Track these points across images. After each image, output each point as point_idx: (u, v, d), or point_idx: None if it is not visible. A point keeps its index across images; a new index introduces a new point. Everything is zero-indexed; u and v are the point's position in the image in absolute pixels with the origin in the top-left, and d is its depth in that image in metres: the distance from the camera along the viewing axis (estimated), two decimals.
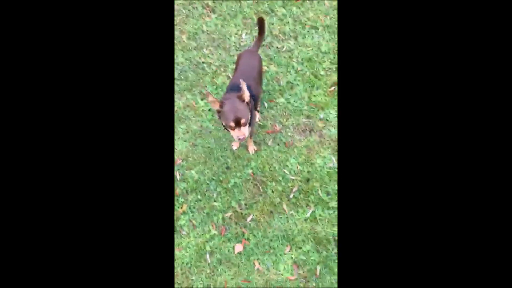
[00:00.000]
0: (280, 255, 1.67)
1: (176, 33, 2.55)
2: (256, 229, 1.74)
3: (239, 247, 1.70)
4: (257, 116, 2.09)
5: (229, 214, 1.80)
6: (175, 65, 2.36)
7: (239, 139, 1.53)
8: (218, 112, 1.55)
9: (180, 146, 2.02)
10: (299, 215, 1.76)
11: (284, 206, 1.79)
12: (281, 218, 1.76)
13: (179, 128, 2.08)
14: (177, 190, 1.88)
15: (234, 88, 1.65)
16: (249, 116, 1.55)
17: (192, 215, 1.81)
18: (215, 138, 2.05)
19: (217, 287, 1.62)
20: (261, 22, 1.87)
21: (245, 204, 1.82)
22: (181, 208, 1.82)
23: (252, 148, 1.96)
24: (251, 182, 1.89)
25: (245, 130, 1.53)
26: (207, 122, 2.11)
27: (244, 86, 1.51)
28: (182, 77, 2.31)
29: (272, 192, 1.84)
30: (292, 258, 1.66)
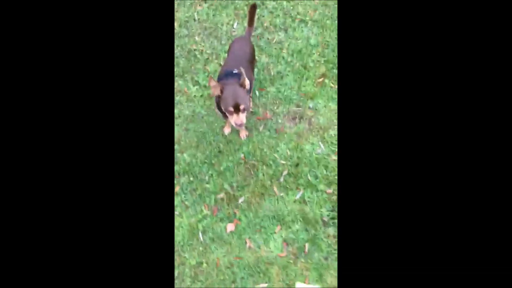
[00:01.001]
0: (271, 234, 1.79)
1: None
2: (248, 210, 1.86)
3: (231, 227, 1.80)
4: (250, 103, 2.20)
5: (221, 196, 1.90)
6: None
7: (236, 124, 1.63)
8: (218, 97, 1.64)
9: None
10: (289, 197, 1.89)
11: (275, 189, 1.92)
12: (271, 199, 1.89)
13: None
14: None
15: (228, 74, 1.75)
16: (248, 103, 1.65)
17: (185, 196, 1.89)
18: (207, 123, 2.14)
19: (209, 263, 1.71)
20: (252, 10, 1.98)
21: (237, 186, 1.93)
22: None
23: (244, 133, 2.08)
24: (243, 166, 2.00)
25: (243, 117, 1.63)
26: (199, 108, 2.20)
27: (244, 73, 1.60)
28: (174, 63, 2.39)
29: (263, 175, 1.97)
30: (282, 236, 1.78)
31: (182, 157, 2.02)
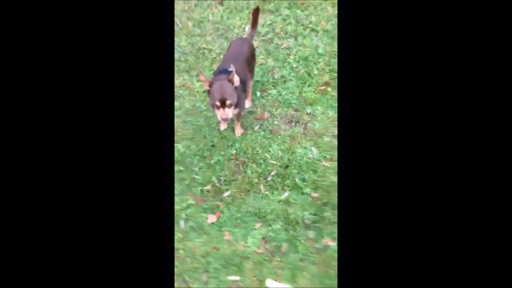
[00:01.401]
0: (251, 229, 1.85)
1: (183, 19, 2.82)
2: (232, 204, 1.93)
3: (212, 218, 1.88)
4: (248, 103, 2.31)
5: (208, 188, 1.99)
6: (178, 48, 2.61)
7: (222, 119, 1.73)
8: (208, 91, 1.76)
9: None
10: (274, 197, 1.96)
11: (261, 187, 1.99)
12: (256, 197, 1.96)
13: None
14: None
15: (222, 72, 1.87)
16: (236, 99, 1.75)
17: None
18: (205, 118, 2.27)
19: (186, 250, 1.79)
20: (256, 12, 2.10)
21: (224, 181, 2.02)
22: None
23: (239, 130, 2.18)
24: (233, 161, 2.09)
25: (229, 112, 1.73)
26: (200, 103, 2.33)
27: (234, 70, 1.72)
28: (182, 59, 2.56)
29: (252, 173, 2.05)
30: (261, 234, 1.84)
31: (177, 147, 2.14)
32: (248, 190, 1.99)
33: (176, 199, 1.96)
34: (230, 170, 2.07)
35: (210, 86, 1.72)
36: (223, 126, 2.21)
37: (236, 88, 1.74)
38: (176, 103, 2.32)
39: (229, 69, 1.84)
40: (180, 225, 1.87)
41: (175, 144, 2.16)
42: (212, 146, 2.16)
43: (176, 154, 2.11)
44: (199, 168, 2.07)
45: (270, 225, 1.87)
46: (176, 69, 2.50)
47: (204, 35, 2.72)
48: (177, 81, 2.43)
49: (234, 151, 2.13)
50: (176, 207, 1.93)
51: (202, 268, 1.75)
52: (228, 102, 1.69)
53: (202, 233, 1.85)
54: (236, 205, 1.94)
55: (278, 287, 1.67)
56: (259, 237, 1.83)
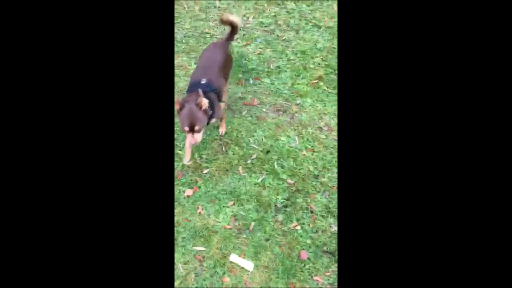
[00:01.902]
0: (223, 206, 1.96)
1: (190, 3, 2.95)
2: (209, 181, 2.05)
3: (189, 192, 2.00)
4: (223, 105, 2.42)
5: (189, 163, 2.10)
6: (181, 30, 2.74)
7: (191, 144, 1.81)
8: (178, 112, 1.81)
9: None
10: (250, 179, 2.06)
11: (240, 168, 2.10)
12: (234, 177, 2.06)
13: None
14: None
15: (195, 85, 1.94)
16: (204, 123, 1.83)
17: None
18: None
19: None
20: (231, 24, 2.17)
21: (206, 159, 2.13)
22: None
23: (223, 129, 2.25)
24: (217, 142, 2.21)
25: (198, 136, 1.82)
26: None
27: (201, 94, 1.77)
28: (184, 41, 2.69)
29: (233, 154, 2.16)
30: (233, 211, 1.95)
31: None
32: (227, 170, 2.10)
33: None
34: (213, 149, 2.19)
35: (180, 109, 1.78)
36: (186, 159, 2.12)
37: (205, 111, 1.80)
38: None
39: (202, 82, 1.92)
40: None
41: None
42: None
43: None
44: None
45: (242, 205, 1.98)
46: (176, 49, 2.63)
47: (208, 20, 2.84)
48: (175, 61, 2.56)
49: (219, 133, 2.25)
50: None
51: None
52: (196, 128, 1.77)
53: (177, 205, 1.97)
54: (213, 182, 2.05)
55: (241, 262, 1.77)
56: (230, 214, 1.94)
